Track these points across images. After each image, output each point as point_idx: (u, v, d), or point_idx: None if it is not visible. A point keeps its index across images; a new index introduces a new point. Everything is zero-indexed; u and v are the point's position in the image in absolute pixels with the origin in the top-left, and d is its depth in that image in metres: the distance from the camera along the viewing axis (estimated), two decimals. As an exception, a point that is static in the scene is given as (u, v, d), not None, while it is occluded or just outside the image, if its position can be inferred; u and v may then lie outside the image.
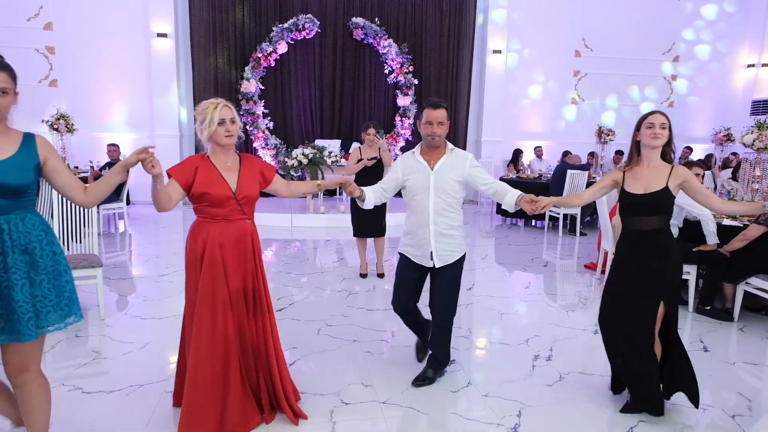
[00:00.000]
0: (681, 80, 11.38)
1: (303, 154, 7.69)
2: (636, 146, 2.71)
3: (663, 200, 2.61)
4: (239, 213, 2.50)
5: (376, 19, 9.78)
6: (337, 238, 7.27)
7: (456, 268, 2.99)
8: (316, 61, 9.92)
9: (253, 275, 2.55)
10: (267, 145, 9.59)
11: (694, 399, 2.72)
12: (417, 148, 3.00)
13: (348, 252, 6.47)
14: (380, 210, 5.21)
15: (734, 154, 9.75)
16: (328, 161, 7.95)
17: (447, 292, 2.99)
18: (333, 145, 8.87)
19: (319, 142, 9.05)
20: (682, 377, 2.75)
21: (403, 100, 10.02)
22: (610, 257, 5.17)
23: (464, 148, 10.42)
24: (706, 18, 11.26)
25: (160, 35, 9.16)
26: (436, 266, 2.95)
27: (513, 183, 7.64)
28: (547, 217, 8.12)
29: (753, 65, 11.48)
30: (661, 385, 2.78)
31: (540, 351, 3.61)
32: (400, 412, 2.81)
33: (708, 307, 4.34)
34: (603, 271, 5.35)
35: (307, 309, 4.35)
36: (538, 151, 10.07)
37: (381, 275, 5.32)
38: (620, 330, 2.77)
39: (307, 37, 9.65)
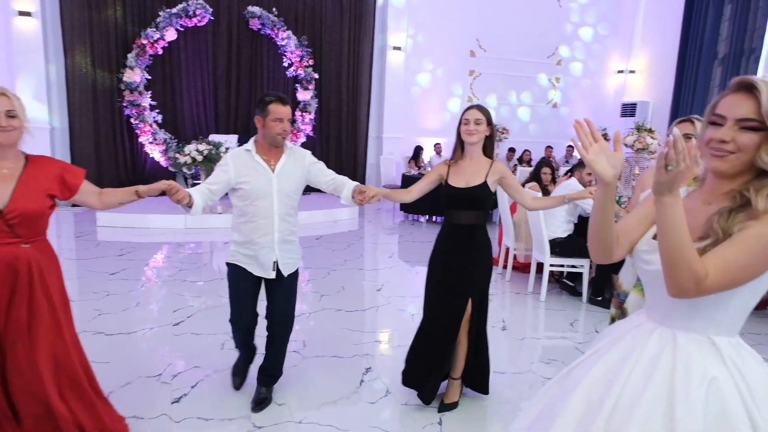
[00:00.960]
0: (563, 83, 12.24)
1: (197, 150, 7.16)
2: (460, 142, 2.72)
3: (481, 195, 2.66)
4: (8, 235, 1.98)
5: (274, 9, 9.38)
6: (237, 239, 6.88)
7: (295, 275, 2.81)
8: (209, 51, 9.31)
9: (28, 311, 2.05)
10: (155, 140, 8.83)
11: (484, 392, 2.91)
12: (252, 146, 2.65)
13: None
14: None
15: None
16: (225, 158, 7.48)
17: (289, 302, 2.80)
18: (230, 141, 8.38)
19: (214, 138, 8.50)
20: (479, 378, 2.88)
21: (303, 95, 9.73)
22: (512, 253, 5.39)
23: (365, 145, 10.39)
24: (582, 35, 12.20)
25: (22, 13, 8.03)
26: (284, 275, 2.72)
27: (416, 179, 7.71)
28: (448, 214, 8.31)
29: (622, 71, 12.65)
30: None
31: (454, 352, 3.62)
32: (317, 430, 2.64)
33: (600, 298, 4.65)
34: (505, 266, 5.55)
35: (208, 321, 4.01)
36: (438, 148, 10.30)
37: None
38: (434, 322, 2.79)
39: (198, 25, 9.01)
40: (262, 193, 2.61)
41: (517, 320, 4.39)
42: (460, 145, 2.72)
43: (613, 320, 2.63)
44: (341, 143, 10.38)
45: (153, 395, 2.89)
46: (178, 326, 3.87)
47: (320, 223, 7.73)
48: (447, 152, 10.42)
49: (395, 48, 10.33)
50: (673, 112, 11.42)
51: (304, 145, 9.54)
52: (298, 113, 9.73)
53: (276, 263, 2.68)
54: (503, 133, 10.36)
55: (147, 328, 3.83)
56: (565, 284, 4.96)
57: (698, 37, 11.06)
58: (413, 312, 4.39)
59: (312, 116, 9.80)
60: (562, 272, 4.97)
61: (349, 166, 10.14)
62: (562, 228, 4.70)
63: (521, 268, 5.57)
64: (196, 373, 3.18)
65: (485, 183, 2.66)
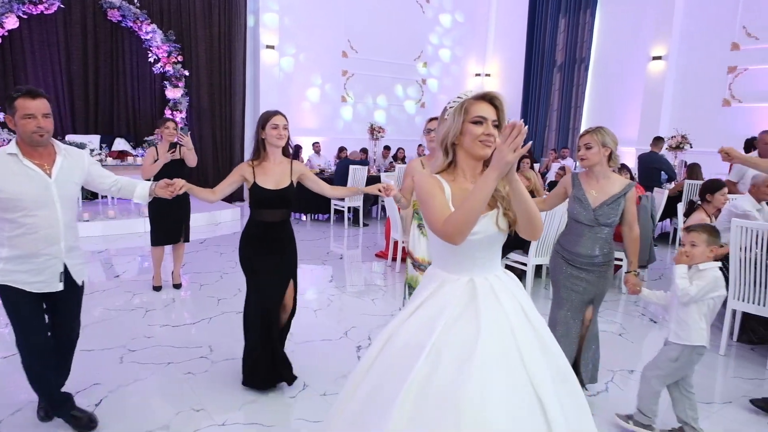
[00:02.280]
0: (430, 83, 13.04)
1: (56, 152, 6.47)
2: (262, 143, 2.88)
3: (290, 194, 2.93)
4: None
5: (135, 1, 8.74)
6: (108, 248, 6.38)
7: (83, 285, 2.64)
8: (59, 43, 8.40)
9: None
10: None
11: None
12: (15, 148, 2.31)
13: (126, 263, 5.75)
14: (186, 212, 4.79)
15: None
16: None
17: (77, 314, 2.67)
18: (93, 141, 7.68)
19: (72, 138, 7.73)
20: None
21: (172, 93, 9.21)
22: (400, 246, 5.74)
23: (242, 145, 10.16)
24: (443, 39, 13.12)
25: None
26: (78, 282, 2.54)
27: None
28: (332, 210, 8.50)
29: (479, 74, 13.84)
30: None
31: (361, 341, 3.82)
32: (243, 431, 2.67)
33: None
34: (394, 259, 5.89)
35: (98, 335, 3.75)
36: (317, 147, 10.41)
37: (178, 286, 4.88)
38: (274, 311, 3.00)
39: (45, 13, 8.08)
40: (40, 202, 2.33)
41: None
42: (262, 147, 2.88)
43: (409, 285, 3.26)
44: (216, 144, 10.01)
45: (53, 418, 2.68)
46: (63, 345, 3.57)
47: (202, 227, 7.44)
48: (325, 151, 10.59)
49: (268, 47, 10.22)
50: (523, 112, 12.80)
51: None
52: (168, 112, 9.19)
53: (63, 274, 2.46)
54: (379, 132, 10.79)
55: (26, 350, 3.47)
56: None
57: (540, 47, 12.51)
58: (316, 308, 4.51)
59: (183, 115, 9.32)
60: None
61: (225, 166, 9.82)
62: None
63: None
64: (98, 390, 3.00)
65: (292, 183, 2.93)
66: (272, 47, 10.25)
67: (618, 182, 2.84)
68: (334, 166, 9.49)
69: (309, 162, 10.19)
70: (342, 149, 9.85)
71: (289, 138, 2.93)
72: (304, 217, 8.87)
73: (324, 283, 5.32)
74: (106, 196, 8.62)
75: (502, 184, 1.65)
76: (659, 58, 10.00)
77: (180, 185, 2.61)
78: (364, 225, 8.32)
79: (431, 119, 3.27)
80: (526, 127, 1.43)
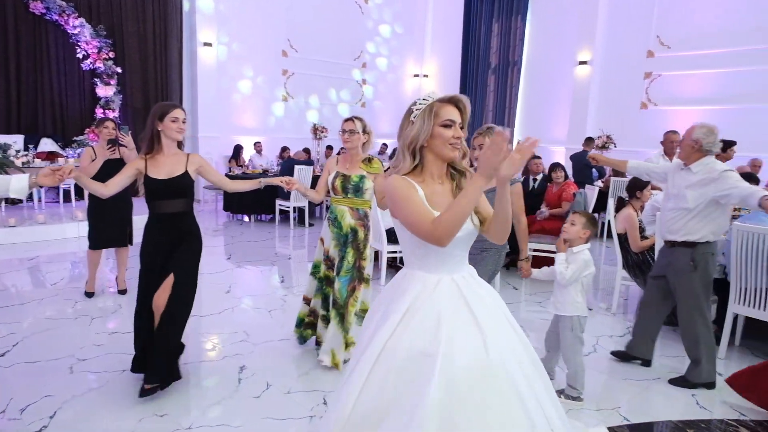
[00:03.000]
0: (368, 85, 13.18)
1: (-23, 153, 6.05)
2: (157, 135, 2.87)
3: (185, 184, 2.92)
4: None
5: (61, -8, 8.28)
6: (39, 254, 6.04)
7: None
8: (-25, 35, 7.82)
9: None
10: None
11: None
12: None
13: (62, 270, 5.48)
14: (128, 214, 4.64)
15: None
16: (17, 161, 6.46)
17: None
18: (17, 142, 7.21)
19: (-8, 138, 7.24)
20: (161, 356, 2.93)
21: (104, 90, 8.80)
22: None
23: (181, 146, 9.85)
24: (383, 34, 13.31)
25: None
26: None
27: (241, 179, 7.68)
28: (277, 211, 8.44)
29: (418, 75, 14.15)
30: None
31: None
32: (211, 432, 2.68)
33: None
34: (343, 257, 5.96)
35: (42, 346, 3.58)
36: (258, 147, 10.29)
37: (123, 291, 4.72)
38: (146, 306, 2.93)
39: (-42, 3, 7.50)
40: None
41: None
42: (157, 140, 2.87)
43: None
44: (152, 143, 9.65)
45: (5, 434, 2.57)
46: (4, 357, 3.40)
47: (138, 230, 7.17)
48: (267, 150, 10.48)
49: (206, 44, 9.97)
50: (460, 112, 13.21)
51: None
52: (99, 111, 8.77)
53: None
54: (322, 132, 10.80)
55: (-36, 364, 3.28)
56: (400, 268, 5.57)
57: (475, 50, 12.98)
58: (270, 309, 4.52)
59: (116, 114, 8.92)
60: (395, 258, 5.57)
61: (162, 167, 9.49)
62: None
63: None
64: (50, 402, 2.89)
65: (186, 172, 2.92)
66: (210, 44, 10.01)
67: None
68: (276, 166, 9.42)
69: (251, 162, 10.05)
70: (285, 149, 9.80)
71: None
72: (247, 218, 8.75)
73: (275, 284, 5.32)
74: (32, 200, 8.12)
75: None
76: (585, 63, 10.66)
77: (68, 170, 2.40)
78: (310, 225, 8.33)
79: (347, 120, 3.40)
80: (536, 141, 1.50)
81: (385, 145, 12.37)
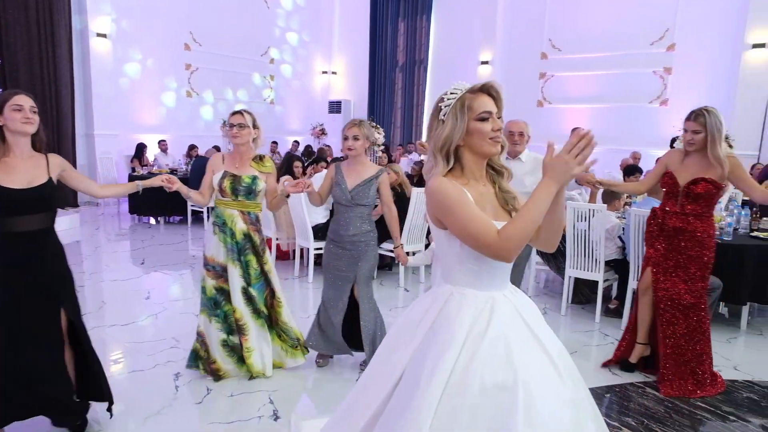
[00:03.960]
0: (276, 82, 12.94)
1: None
2: (0, 133, 2.28)
3: (49, 194, 2.35)
4: None
5: None
6: None
7: None
8: None
9: None
10: None
11: (110, 403, 2.59)
12: None
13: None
14: None
15: (327, 145, 11.87)
16: None
17: None
18: None
19: None
20: (97, 386, 2.56)
21: (-20, 84, 7.86)
22: (274, 243, 5.75)
23: (73, 143, 9.08)
24: (289, 36, 13.13)
25: None
26: None
27: (145, 178, 7.25)
28: (189, 212, 8.08)
29: (326, 72, 14.13)
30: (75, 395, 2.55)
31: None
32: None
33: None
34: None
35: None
36: (163, 146, 9.75)
37: None
38: (24, 347, 2.31)
39: None
40: None
41: (289, 302, 4.78)
42: (0, 139, 2.28)
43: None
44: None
45: None
46: None
47: None
48: (173, 149, 9.96)
49: (99, 35, 9.24)
50: (369, 109, 13.41)
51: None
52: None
53: None
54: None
55: None
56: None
57: (383, 48, 13.22)
58: (197, 312, 4.34)
59: (-4, 110, 8.00)
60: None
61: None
62: (323, 214, 5.29)
63: (282, 256, 6.00)
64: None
65: (51, 180, 2.36)
66: (104, 35, 9.29)
67: (372, 168, 3.13)
68: (184, 165, 8.98)
69: (156, 161, 9.50)
70: (193, 147, 9.38)
71: (40, 127, 2.34)
72: (154, 221, 8.28)
73: (197, 287, 5.11)
74: None
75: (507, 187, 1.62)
76: (486, 62, 11.27)
77: None
78: (225, 225, 8.05)
79: (234, 113, 3.08)
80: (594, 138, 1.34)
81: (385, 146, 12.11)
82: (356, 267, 3.16)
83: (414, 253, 5.09)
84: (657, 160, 3.67)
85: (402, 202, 5.31)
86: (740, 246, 4.07)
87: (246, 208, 3.12)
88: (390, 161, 7.46)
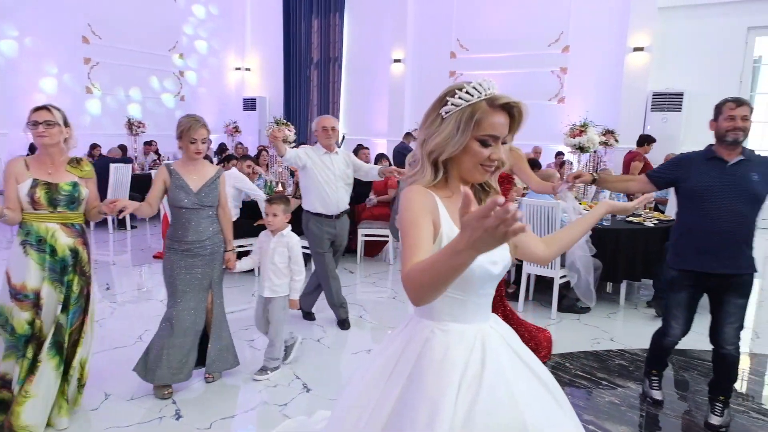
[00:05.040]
0: (187, 77, 12.47)
1: None
2: None
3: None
4: None
5: None
6: None
7: None
8: None
9: None
10: None
11: None
12: None
13: None
14: None
15: (240, 143, 11.64)
16: None
17: None
18: None
19: None
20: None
21: None
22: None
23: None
24: (199, 22, 12.71)
25: None
26: None
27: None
28: (91, 216, 7.65)
29: (240, 69, 13.83)
30: None
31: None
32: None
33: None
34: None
35: None
36: (60, 145, 9.12)
37: None
38: None
39: None
40: None
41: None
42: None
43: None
44: None
45: None
46: None
47: None
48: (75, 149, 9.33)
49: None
50: (285, 106, 13.30)
51: None
52: None
53: None
54: (139, 127, 9.99)
55: None
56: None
57: (297, 45, 13.14)
58: (98, 318, 4.17)
59: None
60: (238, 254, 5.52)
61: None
62: (231, 213, 5.24)
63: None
64: None
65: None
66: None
67: (211, 168, 3.08)
68: (85, 165, 8.48)
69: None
70: (95, 146, 8.87)
71: None
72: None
73: (101, 292, 4.90)
74: None
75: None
76: (399, 61, 11.54)
77: None
78: (132, 227, 7.73)
79: (38, 109, 2.57)
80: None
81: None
82: (212, 271, 3.05)
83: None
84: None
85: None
86: (616, 230, 4.53)
87: (68, 220, 2.63)
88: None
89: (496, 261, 1.31)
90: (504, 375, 1.28)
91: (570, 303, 4.49)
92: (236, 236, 5.12)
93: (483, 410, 1.22)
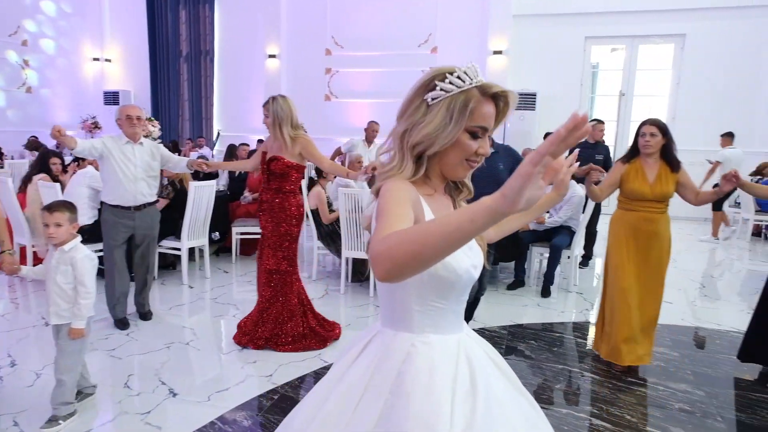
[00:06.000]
0: (32, 69, 11.19)
1: None
2: None
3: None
4: None
5: None
6: None
7: None
8: None
9: None
10: None
11: None
12: None
13: None
14: None
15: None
16: None
17: None
18: None
19: None
20: None
21: None
22: (30, 251, 5.09)
23: None
24: (46, 10, 11.45)
25: None
26: None
27: None
28: None
29: (98, 59, 12.69)
30: None
31: (11, 357, 3.37)
32: None
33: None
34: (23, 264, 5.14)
35: None
36: None
37: None
38: None
39: None
40: None
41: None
42: None
43: None
44: None
45: None
46: None
47: None
48: None
49: None
50: (153, 100, 12.47)
51: None
52: None
53: None
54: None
55: None
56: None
57: (164, 36, 12.37)
58: None
59: None
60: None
61: None
62: (88, 215, 4.84)
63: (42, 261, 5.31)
64: None
65: None
66: None
67: None
68: None
69: None
70: None
71: None
72: None
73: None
74: None
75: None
76: (274, 56, 11.35)
77: None
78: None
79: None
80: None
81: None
82: None
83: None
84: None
85: (181, 195, 5.15)
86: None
87: None
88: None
89: (476, 265, 1.23)
90: (493, 390, 1.19)
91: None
92: (98, 241, 4.75)
93: (481, 430, 1.11)
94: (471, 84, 1.14)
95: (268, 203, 3.55)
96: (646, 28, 9.32)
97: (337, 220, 5.02)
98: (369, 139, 6.99)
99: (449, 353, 1.18)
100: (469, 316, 3.76)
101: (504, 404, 1.19)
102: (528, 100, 9.61)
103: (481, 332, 4.01)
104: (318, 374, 3.27)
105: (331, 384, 1.24)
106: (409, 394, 1.11)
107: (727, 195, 6.99)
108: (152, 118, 6.10)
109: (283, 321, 3.58)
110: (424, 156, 1.19)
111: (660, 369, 3.40)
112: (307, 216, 5.09)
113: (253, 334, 3.59)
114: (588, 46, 9.72)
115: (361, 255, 4.81)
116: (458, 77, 1.14)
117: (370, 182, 3.89)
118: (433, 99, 1.16)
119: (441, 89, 1.15)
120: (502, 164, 3.13)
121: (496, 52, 9.76)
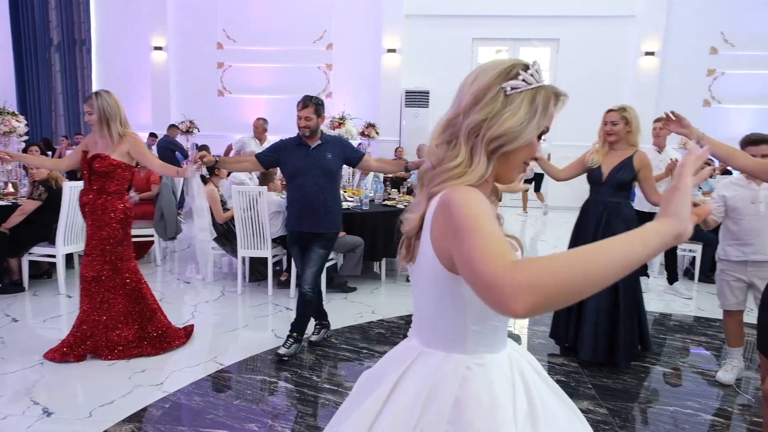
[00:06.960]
0: None
1: None
2: None
3: None
4: None
5: None
6: None
7: None
8: None
9: None
10: None
11: None
12: None
13: None
14: None
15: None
16: None
17: None
18: None
19: None
20: None
21: None
22: None
23: None
24: None
25: None
26: None
27: None
28: None
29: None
30: None
31: None
32: None
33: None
34: None
35: None
36: None
37: None
38: None
39: None
40: None
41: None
42: None
43: None
44: None
45: None
46: None
47: None
48: None
49: None
50: (19, 96, 11.23)
51: None
52: None
53: None
54: None
55: None
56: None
57: (30, 24, 11.17)
58: None
59: None
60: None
61: None
62: None
63: None
64: None
65: None
66: None
67: None
68: None
69: None
70: None
71: None
72: None
73: None
74: None
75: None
76: (160, 48, 10.71)
77: None
78: None
79: None
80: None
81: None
82: None
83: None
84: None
85: (55, 197, 4.67)
86: (374, 213, 5.01)
87: None
88: (46, 153, 6.41)
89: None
90: (549, 409, 1.12)
91: (341, 281, 4.86)
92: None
93: None
94: (542, 82, 1.07)
95: (90, 205, 3.27)
96: (526, 32, 10.02)
97: (232, 218, 4.87)
98: (259, 136, 6.81)
99: (504, 373, 1.11)
100: None
101: (560, 422, 1.12)
102: (422, 98, 9.93)
103: (380, 324, 4.11)
104: (215, 378, 3.16)
105: (370, 415, 1.13)
106: (470, 423, 1.04)
107: None
108: (15, 113, 5.51)
109: (109, 329, 3.31)
110: (496, 154, 1.06)
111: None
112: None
113: (72, 346, 3.28)
114: (475, 47, 10.24)
115: (258, 253, 4.71)
116: (537, 71, 1.06)
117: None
118: (512, 89, 1.04)
119: (524, 80, 1.05)
120: (330, 154, 3.36)
121: (390, 51, 9.97)
